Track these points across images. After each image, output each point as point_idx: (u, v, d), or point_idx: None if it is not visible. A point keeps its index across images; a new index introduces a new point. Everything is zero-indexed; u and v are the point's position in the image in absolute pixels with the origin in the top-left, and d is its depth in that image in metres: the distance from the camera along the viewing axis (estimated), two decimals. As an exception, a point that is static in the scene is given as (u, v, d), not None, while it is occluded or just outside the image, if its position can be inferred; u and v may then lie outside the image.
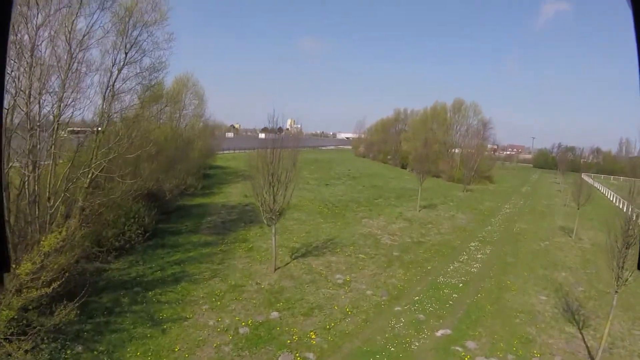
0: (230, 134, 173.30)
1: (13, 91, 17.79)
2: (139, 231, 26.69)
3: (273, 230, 24.10)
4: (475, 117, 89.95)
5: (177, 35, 27.69)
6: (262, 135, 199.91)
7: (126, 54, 25.95)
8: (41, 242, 14.67)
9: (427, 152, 59.50)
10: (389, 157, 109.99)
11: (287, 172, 23.38)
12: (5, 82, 1.78)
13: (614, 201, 67.97)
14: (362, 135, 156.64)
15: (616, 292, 18.28)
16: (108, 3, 23.97)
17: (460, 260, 29.38)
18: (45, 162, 19.54)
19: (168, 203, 35.08)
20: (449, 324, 19.63)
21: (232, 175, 65.52)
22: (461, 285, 24.58)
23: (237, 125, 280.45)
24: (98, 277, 21.79)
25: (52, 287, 13.90)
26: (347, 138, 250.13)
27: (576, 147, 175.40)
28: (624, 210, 57.44)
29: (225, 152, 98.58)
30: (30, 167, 18.09)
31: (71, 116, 21.16)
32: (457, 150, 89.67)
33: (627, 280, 17.84)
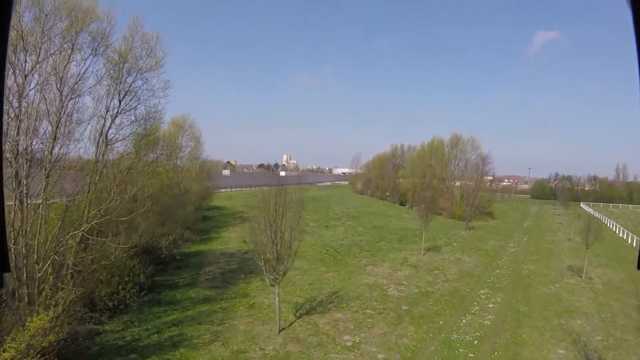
0: (226, 172, 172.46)
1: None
2: (134, 290, 25.39)
3: (277, 290, 22.78)
4: (474, 151, 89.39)
5: (171, 72, 26.83)
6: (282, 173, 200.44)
7: (120, 101, 25.22)
8: (27, 324, 13.45)
9: (431, 195, 58.59)
10: (387, 193, 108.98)
11: (291, 230, 22.23)
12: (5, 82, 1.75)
13: (617, 232, 66.91)
14: (359, 170, 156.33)
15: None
16: (101, 49, 23.40)
17: (472, 311, 28.09)
18: (33, 221, 18.49)
19: (164, 254, 33.74)
20: (469, 391, 18.38)
21: (230, 217, 64.29)
22: (476, 342, 23.29)
23: (233, 162, 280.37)
24: (91, 342, 20.51)
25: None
26: (343, 173, 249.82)
27: (573, 176, 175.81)
28: (629, 243, 57.32)
29: (222, 191, 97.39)
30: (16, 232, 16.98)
31: (59, 175, 20.07)
32: (457, 183, 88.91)
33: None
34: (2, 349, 12.84)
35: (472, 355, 21.70)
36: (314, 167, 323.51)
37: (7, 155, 17.08)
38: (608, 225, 76.05)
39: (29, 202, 17.72)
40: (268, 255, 21.82)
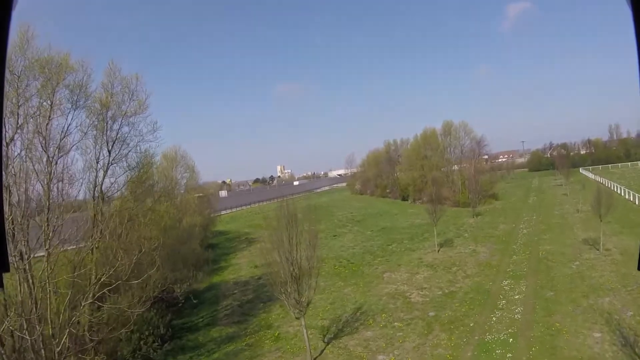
0: (223, 193, 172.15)
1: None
2: (156, 343, 24.79)
3: (303, 322, 22.15)
4: (467, 136, 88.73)
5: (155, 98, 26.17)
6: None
7: (109, 151, 24.68)
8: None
9: (437, 191, 58.07)
10: (387, 190, 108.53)
11: (308, 260, 21.63)
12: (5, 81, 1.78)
13: (622, 194, 66.24)
14: (355, 170, 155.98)
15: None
16: (81, 100, 22.82)
17: (500, 306, 27.53)
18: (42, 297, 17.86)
19: (180, 302, 33.09)
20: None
21: (236, 241, 64.02)
22: (511, 340, 22.73)
23: (228, 181, 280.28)
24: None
25: None
26: (339, 175, 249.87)
27: (567, 143, 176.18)
28: (637, 204, 56.76)
29: (223, 213, 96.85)
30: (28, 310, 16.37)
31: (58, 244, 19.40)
32: (455, 168, 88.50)
33: None
34: None
35: (510, 355, 21.16)
36: (309, 173, 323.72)
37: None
38: (612, 188, 75.68)
39: (33, 280, 17.06)
40: (289, 290, 21.20)
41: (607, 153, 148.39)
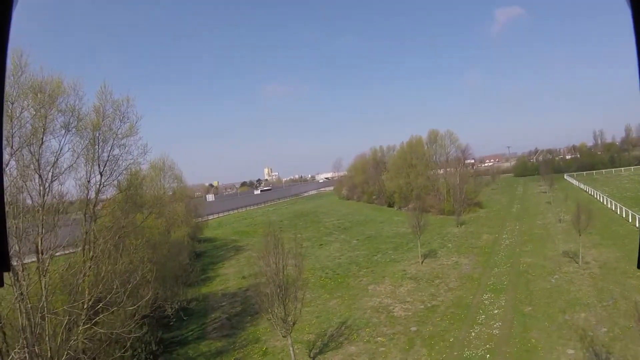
0: (210, 197, 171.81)
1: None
2: (148, 359, 25.55)
3: (289, 341, 23.03)
4: (453, 144, 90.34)
5: (142, 98, 26.78)
6: (256, 192, 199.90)
7: (101, 174, 25.17)
8: None
9: (421, 204, 59.19)
10: (373, 197, 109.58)
11: (294, 281, 22.55)
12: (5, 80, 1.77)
13: (605, 204, 67.49)
14: (342, 174, 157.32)
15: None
16: (73, 123, 23.27)
17: (479, 321, 28.57)
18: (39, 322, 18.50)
19: (171, 321, 33.75)
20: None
21: (223, 250, 64.66)
22: (488, 356, 23.78)
23: (215, 184, 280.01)
24: None
25: None
26: (326, 179, 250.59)
27: (553, 148, 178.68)
28: (618, 214, 57.82)
29: (210, 218, 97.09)
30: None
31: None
32: (441, 171, 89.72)
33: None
34: None
35: (486, 371, 22.17)
36: (296, 176, 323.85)
37: None
38: (595, 196, 77.04)
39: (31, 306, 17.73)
40: (276, 311, 22.06)
41: (592, 159, 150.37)
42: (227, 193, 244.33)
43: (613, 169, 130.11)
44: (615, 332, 24.72)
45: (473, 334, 26.82)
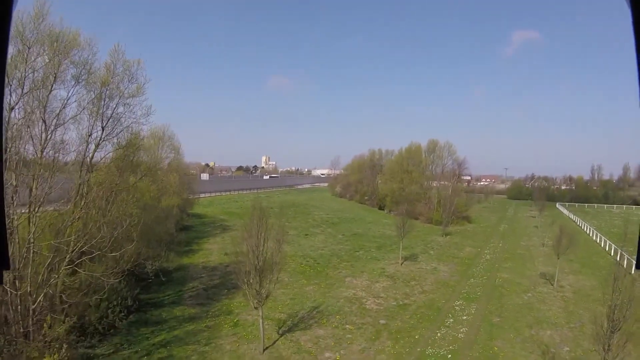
0: (205, 175, 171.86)
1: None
2: (122, 313, 26.24)
3: (260, 313, 23.73)
4: (450, 156, 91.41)
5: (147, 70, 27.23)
6: (266, 177, 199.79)
7: (103, 128, 25.71)
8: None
9: (407, 208, 59.81)
10: (366, 197, 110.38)
11: (272, 255, 23.24)
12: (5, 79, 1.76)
13: (591, 236, 68.51)
14: (339, 172, 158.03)
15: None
16: (84, 77, 23.84)
17: (447, 324, 29.30)
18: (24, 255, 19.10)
19: (150, 277, 34.43)
20: (443, 407, 19.54)
21: (210, 227, 65.06)
22: (450, 356, 24.47)
23: (211, 164, 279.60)
24: (83, 367, 21.22)
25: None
26: (322, 175, 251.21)
27: (549, 177, 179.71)
28: (602, 247, 58.81)
29: (202, 196, 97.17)
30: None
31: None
32: (434, 184, 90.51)
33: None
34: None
35: (445, 369, 22.89)
36: (293, 168, 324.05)
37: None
38: (582, 228, 77.95)
39: (19, 240, 18.36)
40: (252, 280, 22.76)
41: (586, 192, 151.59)
42: (222, 175, 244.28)
43: (605, 205, 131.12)
44: (577, 353, 25.43)
45: (439, 334, 27.52)
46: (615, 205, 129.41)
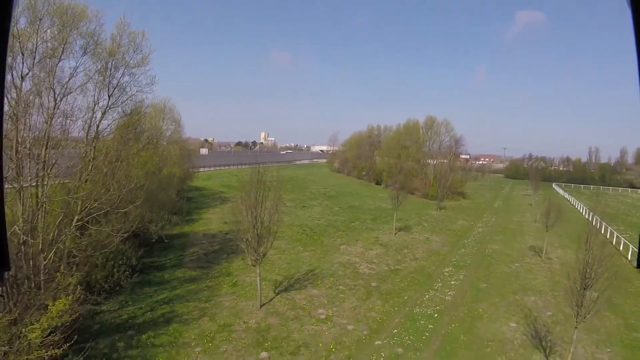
0: (204, 150, 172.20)
1: None
2: (127, 272, 27.68)
3: (258, 270, 25.22)
4: (447, 133, 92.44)
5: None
6: (282, 152, 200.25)
7: (109, 96, 26.85)
8: (49, 308, 15.68)
9: (402, 179, 61.11)
10: (363, 173, 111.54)
11: (270, 215, 24.60)
12: (6, 78, 1.81)
13: (584, 214, 69.85)
14: (337, 148, 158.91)
15: (575, 327, 19.76)
16: (91, 47, 24.93)
17: (435, 288, 30.85)
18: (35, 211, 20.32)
19: (153, 238, 35.88)
20: (426, 357, 20.99)
21: (210, 198, 66.32)
22: (436, 315, 26.00)
23: (210, 140, 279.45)
24: (91, 321, 22.56)
25: (62, 348, 14.90)
26: (321, 151, 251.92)
27: (547, 157, 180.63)
28: (593, 225, 59.71)
29: (201, 170, 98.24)
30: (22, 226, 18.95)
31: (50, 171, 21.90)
32: (431, 162, 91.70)
33: (585, 317, 19.29)
34: (28, 329, 15.04)
35: (431, 326, 24.38)
36: (292, 144, 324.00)
37: (8, 152, 18.92)
38: (576, 207, 79.31)
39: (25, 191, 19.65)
40: (250, 238, 24.17)
41: (583, 174, 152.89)
42: (221, 150, 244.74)
43: (601, 187, 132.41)
44: (558, 317, 26.83)
45: (427, 296, 29.07)
46: (611, 188, 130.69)
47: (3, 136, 1.99)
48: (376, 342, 22.07)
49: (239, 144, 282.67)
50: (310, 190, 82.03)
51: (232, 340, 21.41)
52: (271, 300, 26.68)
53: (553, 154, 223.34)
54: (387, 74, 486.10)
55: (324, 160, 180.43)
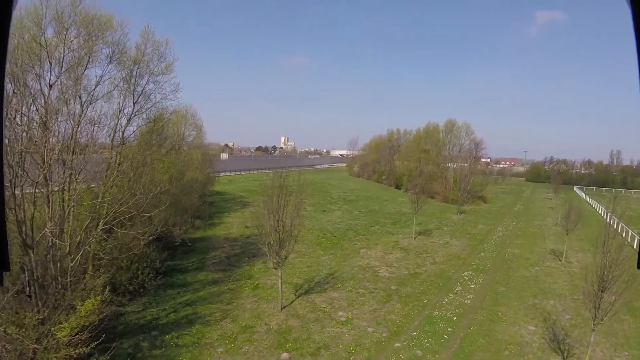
0: (224, 155, 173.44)
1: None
2: (151, 275, 28.35)
3: (279, 273, 25.69)
4: (468, 137, 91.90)
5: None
6: (310, 156, 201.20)
7: (134, 103, 27.56)
8: (78, 308, 16.27)
9: (423, 183, 61.14)
10: (383, 177, 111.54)
11: (292, 219, 25.09)
12: (5, 78, 1.81)
13: (604, 217, 69.12)
14: (357, 153, 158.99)
15: (593, 329, 19.89)
16: (116, 56, 25.66)
17: (455, 291, 31.00)
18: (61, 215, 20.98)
19: (177, 242, 36.60)
20: (444, 359, 21.25)
21: (231, 202, 67.02)
22: (455, 318, 26.19)
23: (231, 145, 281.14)
24: (116, 322, 23.21)
25: (89, 347, 15.48)
26: (341, 155, 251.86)
27: (568, 160, 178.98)
28: (614, 228, 59.20)
29: (222, 175, 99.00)
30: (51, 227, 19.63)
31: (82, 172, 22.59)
32: (451, 165, 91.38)
33: (602, 319, 19.41)
34: (56, 328, 15.65)
35: (450, 329, 24.58)
36: (312, 148, 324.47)
37: (38, 159, 19.61)
38: (597, 210, 78.50)
39: (52, 196, 20.33)
40: (272, 242, 24.69)
41: (605, 176, 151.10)
42: (241, 154, 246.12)
43: (623, 190, 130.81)
44: (577, 321, 26.78)
45: (446, 299, 29.26)
46: (633, 191, 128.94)
47: (4, 138, 1.98)
48: (395, 345, 22.35)
49: (259, 148, 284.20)
50: (330, 194, 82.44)
51: (254, 341, 21.87)
52: (292, 302, 27.13)
53: (574, 156, 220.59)
54: (406, 77, 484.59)
55: (344, 165, 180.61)
